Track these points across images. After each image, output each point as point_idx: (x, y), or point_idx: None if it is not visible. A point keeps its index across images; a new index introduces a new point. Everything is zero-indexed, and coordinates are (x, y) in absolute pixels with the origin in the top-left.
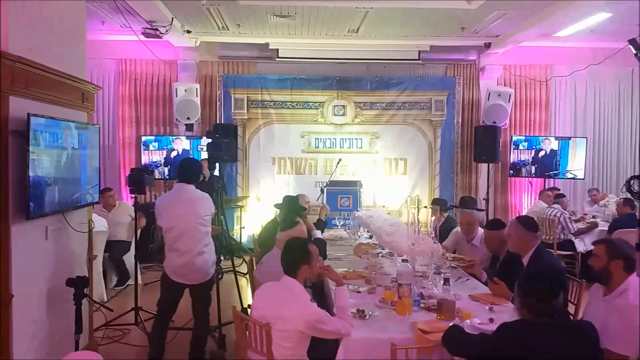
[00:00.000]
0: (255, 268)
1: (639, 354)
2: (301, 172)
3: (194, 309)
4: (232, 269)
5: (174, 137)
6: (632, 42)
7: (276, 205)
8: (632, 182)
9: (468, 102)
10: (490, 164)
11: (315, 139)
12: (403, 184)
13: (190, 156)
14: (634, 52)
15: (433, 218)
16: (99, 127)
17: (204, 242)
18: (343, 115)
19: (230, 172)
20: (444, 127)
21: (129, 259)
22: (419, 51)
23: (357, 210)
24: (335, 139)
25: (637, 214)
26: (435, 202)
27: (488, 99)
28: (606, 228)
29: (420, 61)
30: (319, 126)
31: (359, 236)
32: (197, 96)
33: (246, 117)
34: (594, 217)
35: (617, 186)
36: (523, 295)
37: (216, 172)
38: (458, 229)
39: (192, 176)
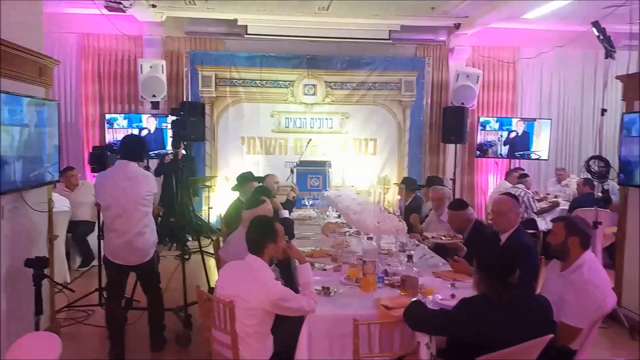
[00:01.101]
0: (221, 247)
1: (591, 326)
2: (271, 152)
3: (144, 289)
4: (199, 249)
5: (146, 116)
6: (595, 24)
7: (233, 188)
8: (591, 162)
9: (437, 83)
10: (458, 145)
11: (286, 118)
12: (373, 164)
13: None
14: (597, 34)
15: (399, 197)
16: (58, 104)
17: (144, 222)
18: (313, 94)
19: (198, 151)
20: (413, 107)
21: (94, 239)
22: (390, 31)
23: (326, 190)
24: (305, 118)
25: (595, 193)
26: (404, 181)
27: (457, 80)
28: (567, 207)
29: (390, 41)
30: (289, 105)
31: (328, 216)
32: (163, 73)
33: (214, 95)
34: (556, 196)
35: (579, 167)
36: (481, 272)
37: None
38: (428, 206)
39: (135, 153)
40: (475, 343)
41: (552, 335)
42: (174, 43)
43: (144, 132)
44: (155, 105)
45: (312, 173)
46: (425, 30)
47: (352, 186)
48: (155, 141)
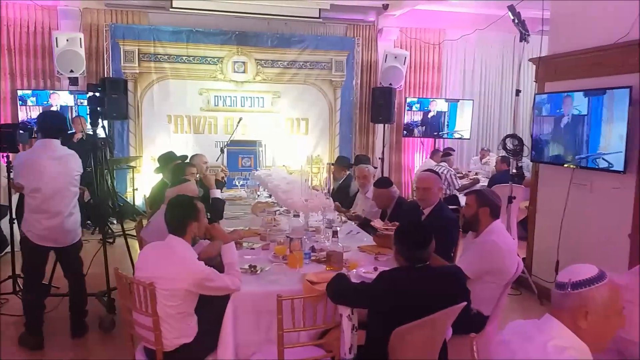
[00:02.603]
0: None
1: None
2: (200, 131)
3: (66, 273)
4: (122, 232)
5: (52, 92)
6: (510, 8)
7: (156, 170)
8: (507, 140)
9: (367, 64)
10: (386, 125)
11: (215, 96)
12: (305, 143)
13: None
14: (512, 18)
15: (325, 176)
16: None
17: (74, 203)
18: (243, 72)
19: (121, 130)
20: (343, 87)
21: (7, 224)
22: (320, 9)
23: (257, 170)
24: (236, 97)
25: (510, 170)
26: (338, 160)
27: (385, 61)
28: (487, 184)
29: (320, 20)
30: (219, 83)
31: (258, 195)
32: (81, 47)
33: (137, 72)
34: (476, 174)
35: (498, 145)
36: (400, 244)
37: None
38: (356, 184)
39: (58, 130)
40: (394, 313)
41: (465, 303)
42: (92, 15)
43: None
44: (73, 81)
45: (244, 153)
46: (354, 10)
47: (284, 166)
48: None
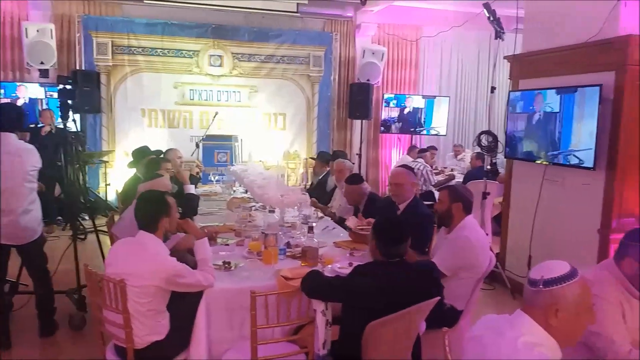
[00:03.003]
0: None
1: (474, 287)
2: (175, 125)
3: (29, 271)
4: (93, 228)
5: (20, 84)
6: (486, 6)
7: (129, 165)
8: (481, 137)
9: (344, 59)
10: (364, 121)
11: (190, 90)
12: (282, 139)
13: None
14: (487, 15)
15: (302, 171)
16: None
17: (30, 199)
18: (220, 66)
19: (94, 124)
20: (321, 83)
21: None
22: (297, 3)
23: (232, 165)
24: (212, 91)
25: (485, 166)
26: (319, 155)
27: (363, 57)
28: (461, 180)
29: (298, 14)
30: (194, 76)
31: (234, 191)
32: (52, 38)
33: (111, 64)
34: (452, 170)
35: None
36: (377, 240)
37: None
38: (333, 179)
39: (14, 123)
40: (368, 308)
41: (438, 298)
42: (64, 6)
43: (20, 102)
44: (44, 73)
45: (219, 148)
46: (332, 5)
47: (261, 161)
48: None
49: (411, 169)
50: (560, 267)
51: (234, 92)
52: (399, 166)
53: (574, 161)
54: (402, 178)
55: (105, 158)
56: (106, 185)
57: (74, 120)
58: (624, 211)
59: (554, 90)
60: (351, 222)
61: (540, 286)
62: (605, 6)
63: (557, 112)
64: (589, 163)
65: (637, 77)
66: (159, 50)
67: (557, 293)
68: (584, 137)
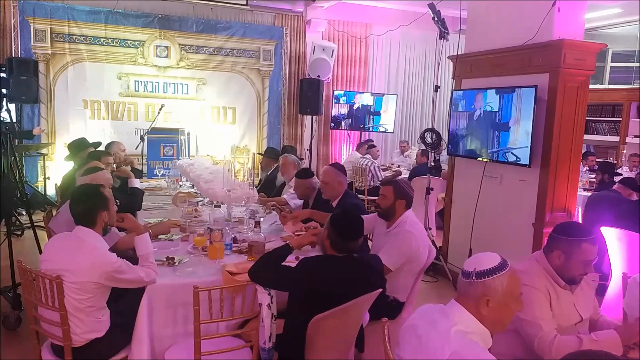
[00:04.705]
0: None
1: (414, 279)
2: (118, 117)
3: None
4: (30, 224)
5: None
6: (431, 6)
7: (66, 158)
8: (426, 134)
9: (295, 54)
10: (314, 116)
11: (135, 81)
12: (231, 133)
13: None
14: (432, 15)
15: (249, 166)
16: None
17: None
18: (166, 57)
19: (32, 115)
20: (272, 77)
21: None
22: None
23: (178, 159)
24: (158, 82)
25: (429, 163)
26: (267, 151)
27: (313, 53)
28: (407, 176)
29: (247, 7)
30: (139, 67)
31: (180, 186)
32: None
33: (50, 52)
34: (399, 166)
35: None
36: (334, 234)
37: (5, 114)
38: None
39: None
40: (312, 300)
41: (381, 290)
42: None
43: None
44: None
45: (165, 141)
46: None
47: (209, 155)
48: None
49: (341, 167)
50: (491, 259)
51: (181, 84)
52: (329, 165)
53: (512, 159)
54: (328, 177)
55: (43, 150)
56: (45, 179)
57: (8, 110)
58: (556, 206)
59: (493, 90)
60: (289, 228)
61: (473, 278)
62: (541, 11)
63: (497, 112)
64: (525, 160)
65: (569, 79)
66: (102, 40)
67: (489, 284)
68: (521, 135)
